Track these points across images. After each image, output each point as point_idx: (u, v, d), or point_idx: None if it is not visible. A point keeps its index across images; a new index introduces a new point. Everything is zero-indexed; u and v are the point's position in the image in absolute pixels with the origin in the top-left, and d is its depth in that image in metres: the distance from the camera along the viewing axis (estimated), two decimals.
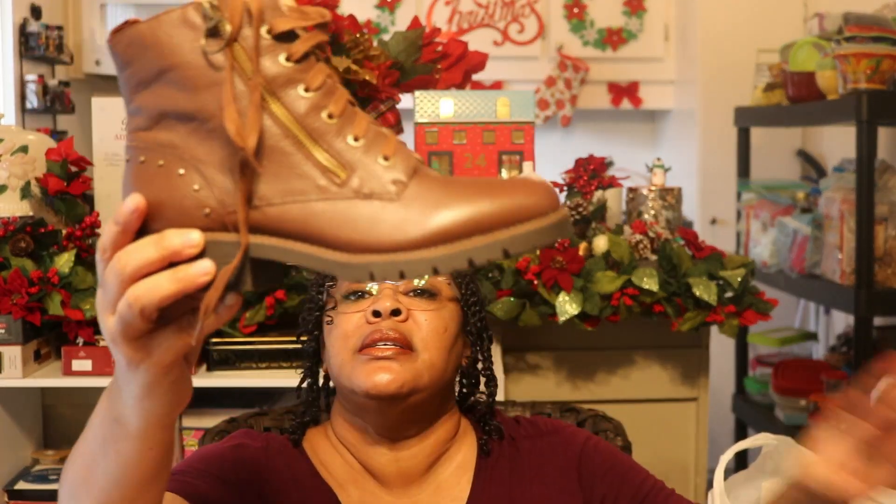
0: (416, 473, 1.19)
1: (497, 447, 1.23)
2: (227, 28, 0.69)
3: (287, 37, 0.71)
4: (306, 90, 0.71)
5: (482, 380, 1.28)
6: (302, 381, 1.28)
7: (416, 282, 1.20)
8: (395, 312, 1.16)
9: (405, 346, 1.14)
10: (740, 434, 3.28)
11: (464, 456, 1.22)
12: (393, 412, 1.15)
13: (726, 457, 1.24)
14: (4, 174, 1.94)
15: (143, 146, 0.73)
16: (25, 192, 1.94)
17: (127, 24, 0.73)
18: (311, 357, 1.26)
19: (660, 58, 4.36)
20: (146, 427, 0.77)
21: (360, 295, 1.19)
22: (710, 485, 1.36)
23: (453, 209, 0.68)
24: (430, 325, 1.17)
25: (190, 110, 0.71)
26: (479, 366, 1.27)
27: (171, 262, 0.70)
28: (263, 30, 0.70)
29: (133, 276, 0.70)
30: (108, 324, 0.72)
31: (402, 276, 0.68)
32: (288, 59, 0.71)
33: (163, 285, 0.69)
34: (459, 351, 1.23)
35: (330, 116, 0.71)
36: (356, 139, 0.71)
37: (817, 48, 2.73)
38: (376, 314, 1.15)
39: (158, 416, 0.77)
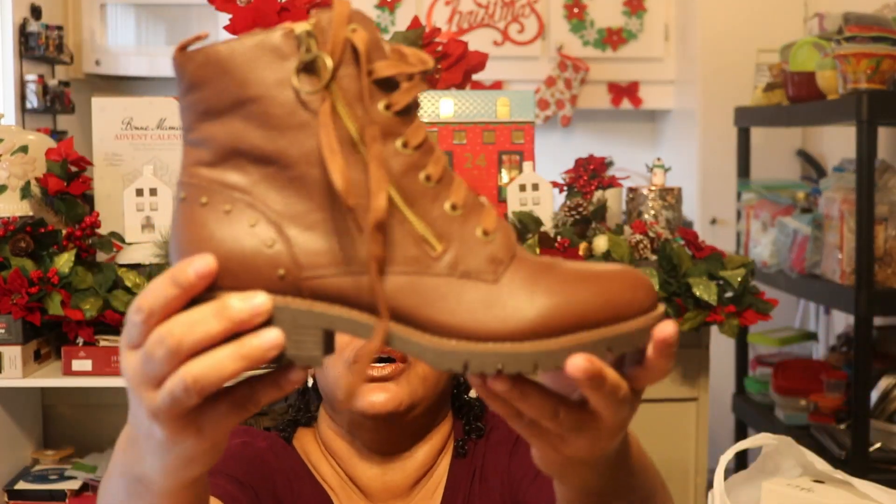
0: (402, 488, 1.17)
1: (471, 449, 1.21)
2: (329, 64, 0.61)
3: (385, 83, 0.62)
4: (405, 146, 0.62)
5: None
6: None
7: None
8: None
9: (399, 359, 1.11)
10: (740, 434, 3.28)
11: (443, 466, 1.20)
12: (386, 429, 1.13)
13: (726, 457, 1.24)
14: (4, 174, 1.94)
15: (205, 185, 0.63)
16: (25, 192, 1.94)
17: (197, 40, 0.63)
18: None
19: (660, 58, 4.36)
20: (177, 489, 0.68)
21: None
22: (710, 485, 1.36)
23: (558, 299, 0.61)
24: None
25: (269, 152, 0.62)
26: None
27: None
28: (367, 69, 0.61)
29: (190, 352, 0.59)
30: (150, 400, 0.61)
31: (499, 370, 0.60)
32: (387, 108, 0.62)
33: (227, 365, 0.59)
34: None
35: (427, 179, 0.63)
36: (454, 207, 0.63)
37: (817, 48, 2.73)
38: None
39: (193, 479, 0.67)
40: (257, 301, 0.60)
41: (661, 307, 0.64)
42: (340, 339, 1.13)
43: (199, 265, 0.60)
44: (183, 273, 0.60)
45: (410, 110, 0.63)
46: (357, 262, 0.62)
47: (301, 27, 0.61)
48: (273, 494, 1.13)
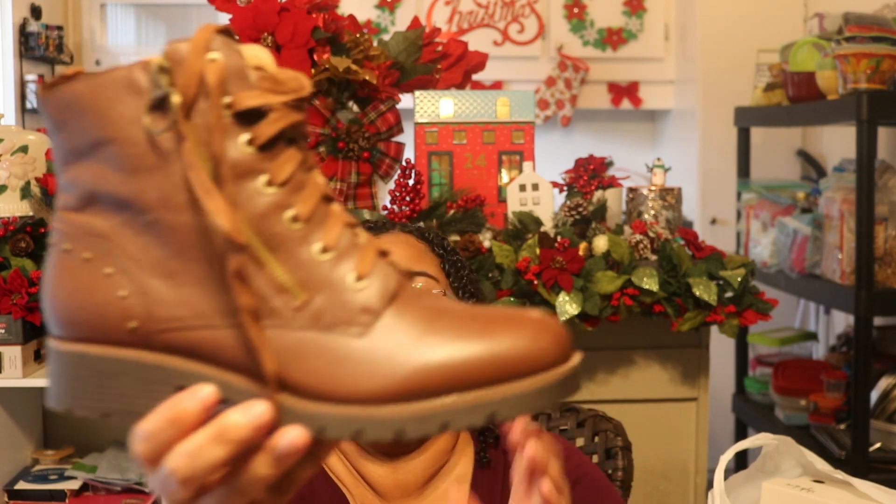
0: (414, 486, 1.17)
1: (495, 458, 1.21)
2: (176, 100, 0.56)
3: (251, 115, 0.56)
4: (269, 184, 0.56)
5: None
6: None
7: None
8: None
9: None
10: (740, 434, 3.28)
11: (462, 468, 1.20)
12: None
13: (726, 457, 1.24)
14: (4, 174, 1.94)
15: (70, 231, 0.60)
16: (25, 192, 1.94)
17: (63, 80, 0.59)
18: None
19: (660, 58, 4.36)
20: None
21: None
22: (710, 485, 1.36)
23: (433, 354, 0.54)
24: None
25: (125, 196, 0.58)
26: None
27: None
28: (225, 101, 0.56)
29: (202, 481, 0.57)
30: None
31: (359, 434, 0.55)
32: (250, 143, 0.56)
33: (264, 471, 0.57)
34: None
35: (294, 219, 0.57)
36: (325, 250, 0.57)
37: (817, 48, 2.73)
38: None
39: None
40: (256, 413, 0.55)
41: (576, 360, 0.56)
42: None
43: (292, 439, 0.55)
44: (281, 448, 0.56)
45: (276, 142, 0.57)
46: (216, 314, 0.57)
47: (156, 60, 0.56)
48: (298, 494, 1.13)
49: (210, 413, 0.56)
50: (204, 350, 0.57)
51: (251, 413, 0.55)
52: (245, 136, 0.56)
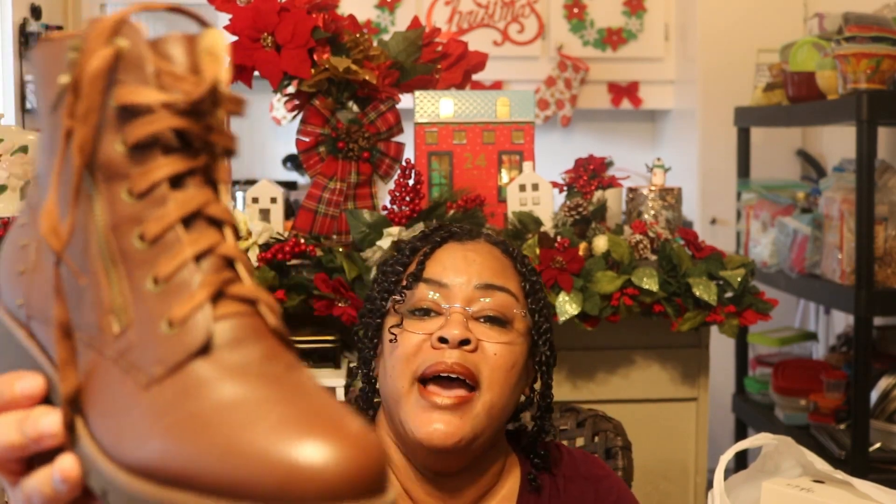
0: None
1: (541, 481, 1.19)
2: (63, 81, 0.52)
3: (134, 112, 0.51)
4: (129, 193, 0.51)
5: (535, 405, 1.22)
6: (350, 386, 1.23)
7: (483, 300, 1.12)
8: (464, 342, 1.07)
9: (469, 381, 1.06)
10: (740, 434, 3.28)
11: (508, 489, 1.18)
12: (443, 459, 1.10)
13: (726, 457, 1.24)
14: (4, 174, 1.94)
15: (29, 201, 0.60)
16: (25, 193, 1.95)
17: (50, 39, 0.56)
18: (366, 364, 1.18)
19: (660, 58, 4.35)
20: None
21: (427, 312, 1.12)
22: (710, 485, 1.36)
23: (182, 443, 0.45)
24: (499, 361, 1.09)
25: (42, 170, 0.56)
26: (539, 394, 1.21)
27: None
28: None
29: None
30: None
31: (105, 495, 0.49)
32: (123, 144, 0.51)
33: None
34: (522, 385, 1.17)
35: (141, 238, 0.50)
36: (156, 282, 0.50)
37: (817, 48, 2.73)
38: (443, 340, 1.07)
39: None
40: (47, 421, 0.52)
41: (384, 500, 0.45)
42: (408, 347, 1.07)
43: (22, 386, 0.54)
44: (9, 389, 0.55)
45: (150, 147, 0.51)
46: (50, 314, 0.53)
47: (73, 35, 0.53)
48: None
49: (30, 402, 0.54)
50: (46, 348, 0.54)
51: (44, 419, 0.52)
52: (121, 135, 0.51)
